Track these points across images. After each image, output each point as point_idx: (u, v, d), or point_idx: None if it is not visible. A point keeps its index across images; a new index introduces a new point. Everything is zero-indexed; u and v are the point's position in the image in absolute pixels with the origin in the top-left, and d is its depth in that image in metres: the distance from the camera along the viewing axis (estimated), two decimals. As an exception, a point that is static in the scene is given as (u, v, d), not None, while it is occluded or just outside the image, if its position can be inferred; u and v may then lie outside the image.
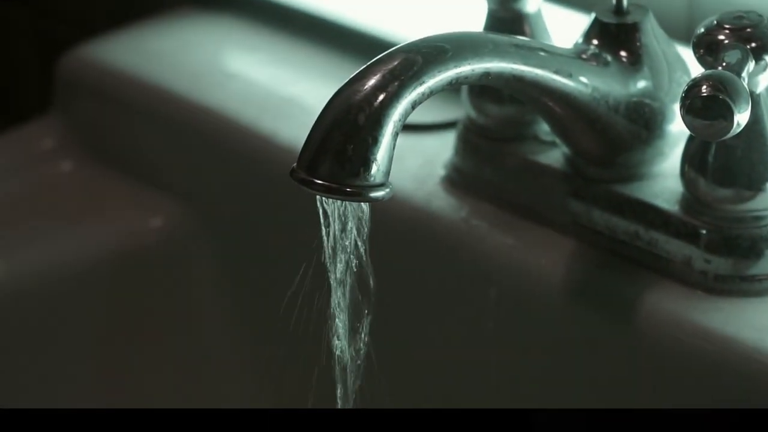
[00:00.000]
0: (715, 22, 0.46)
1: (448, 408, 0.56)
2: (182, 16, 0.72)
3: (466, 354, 0.55)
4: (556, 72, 0.47)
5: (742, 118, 0.43)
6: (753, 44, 0.45)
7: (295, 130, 0.59)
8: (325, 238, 0.45)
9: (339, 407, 0.48)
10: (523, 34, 0.53)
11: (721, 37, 0.46)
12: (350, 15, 0.67)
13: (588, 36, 0.51)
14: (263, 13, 0.70)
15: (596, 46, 0.50)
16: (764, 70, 0.46)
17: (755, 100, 0.46)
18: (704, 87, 0.43)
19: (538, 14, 0.54)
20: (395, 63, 0.42)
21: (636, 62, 0.50)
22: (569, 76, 0.47)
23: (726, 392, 0.46)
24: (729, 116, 0.43)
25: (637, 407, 0.49)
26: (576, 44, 0.51)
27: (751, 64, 0.45)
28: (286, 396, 0.59)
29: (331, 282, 0.45)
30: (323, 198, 0.43)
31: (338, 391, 0.47)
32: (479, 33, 0.50)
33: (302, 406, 0.51)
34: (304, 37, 0.68)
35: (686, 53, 0.50)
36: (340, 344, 0.47)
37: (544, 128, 0.54)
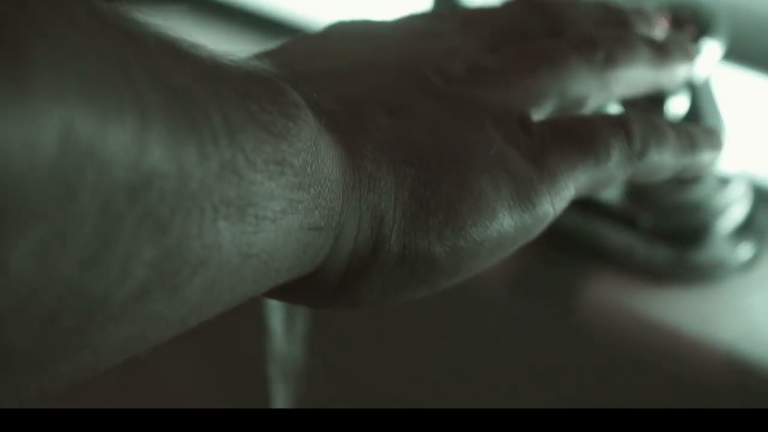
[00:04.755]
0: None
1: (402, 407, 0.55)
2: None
3: (405, 348, 0.55)
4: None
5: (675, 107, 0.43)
6: (691, 31, 0.45)
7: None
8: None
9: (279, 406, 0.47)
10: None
11: (660, 24, 0.46)
12: (294, 9, 0.66)
13: None
14: (202, 7, 0.69)
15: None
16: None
17: (694, 90, 0.46)
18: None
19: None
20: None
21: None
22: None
23: (669, 382, 0.46)
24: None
25: (581, 399, 0.49)
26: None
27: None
28: (228, 393, 0.58)
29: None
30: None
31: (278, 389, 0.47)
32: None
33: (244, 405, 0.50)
34: (244, 30, 0.68)
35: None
36: (278, 341, 0.46)
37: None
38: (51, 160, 0.17)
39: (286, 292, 0.27)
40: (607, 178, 0.32)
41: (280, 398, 0.47)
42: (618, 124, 0.32)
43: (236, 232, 0.22)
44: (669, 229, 0.48)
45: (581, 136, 0.31)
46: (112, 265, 0.19)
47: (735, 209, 0.48)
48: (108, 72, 0.19)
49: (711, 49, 0.45)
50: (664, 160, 0.33)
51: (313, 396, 0.49)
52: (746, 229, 0.48)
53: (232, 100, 0.22)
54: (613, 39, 0.35)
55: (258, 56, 0.31)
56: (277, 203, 0.23)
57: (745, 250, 0.48)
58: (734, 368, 0.45)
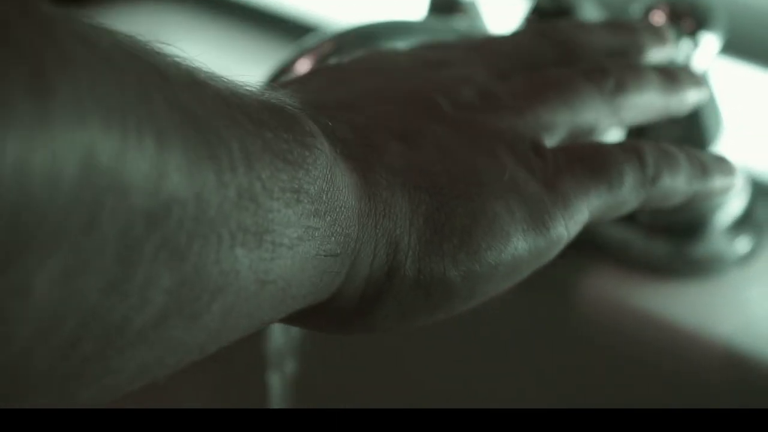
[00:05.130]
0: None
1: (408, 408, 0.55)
2: (120, 5, 0.71)
3: (404, 345, 0.55)
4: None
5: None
6: (689, 25, 0.45)
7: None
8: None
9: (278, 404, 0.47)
10: (461, 21, 0.53)
11: (657, 17, 0.46)
12: (298, 6, 0.66)
13: (527, 20, 0.50)
14: (208, 5, 0.70)
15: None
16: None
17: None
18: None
19: (476, 3, 0.54)
20: (326, 48, 0.42)
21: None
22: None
23: (667, 375, 0.46)
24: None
25: (579, 393, 0.49)
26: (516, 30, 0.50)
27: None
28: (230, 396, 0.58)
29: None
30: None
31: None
32: (412, 20, 0.49)
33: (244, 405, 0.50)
34: (231, 21, 0.68)
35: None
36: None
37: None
38: (73, 187, 0.18)
39: (301, 318, 0.27)
40: (620, 203, 0.32)
41: (278, 397, 0.47)
42: (631, 150, 0.32)
43: (254, 259, 0.23)
44: (667, 223, 0.48)
45: (595, 161, 0.32)
46: (131, 291, 0.19)
47: (733, 203, 0.48)
48: (129, 101, 0.19)
49: (709, 42, 0.45)
50: (676, 186, 0.33)
51: (312, 396, 0.49)
52: (744, 223, 0.49)
53: (248, 129, 0.23)
54: (623, 66, 0.36)
55: (273, 86, 0.32)
56: (293, 230, 0.24)
57: (742, 244, 0.48)
58: (732, 362, 0.45)
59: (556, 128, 0.33)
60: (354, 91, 0.32)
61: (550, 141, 0.33)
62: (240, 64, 0.65)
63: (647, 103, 0.35)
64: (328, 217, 0.25)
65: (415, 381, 0.55)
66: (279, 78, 0.41)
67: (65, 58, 0.18)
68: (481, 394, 0.52)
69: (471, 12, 0.54)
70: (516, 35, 0.37)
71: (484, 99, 0.33)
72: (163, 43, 0.22)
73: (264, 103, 0.25)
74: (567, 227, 0.30)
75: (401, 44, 0.43)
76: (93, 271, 0.18)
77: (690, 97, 0.37)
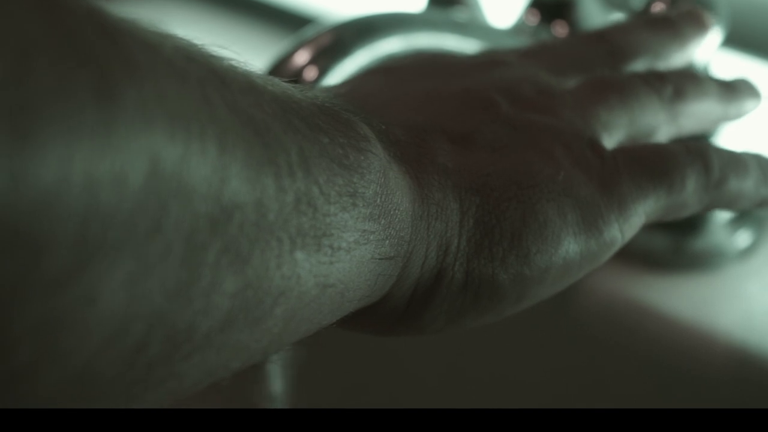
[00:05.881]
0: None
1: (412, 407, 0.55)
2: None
3: (403, 342, 0.54)
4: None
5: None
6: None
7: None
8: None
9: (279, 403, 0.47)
10: (461, 14, 0.53)
11: (658, 9, 0.46)
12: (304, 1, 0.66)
13: (527, 13, 0.50)
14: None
15: (535, 23, 0.50)
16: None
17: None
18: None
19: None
20: (325, 39, 0.41)
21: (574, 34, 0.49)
22: (505, 52, 0.46)
23: (666, 368, 0.46)
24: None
25: (577, 386, 0.48)
26: (516, 23, 0.50)
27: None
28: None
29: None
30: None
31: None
32: (411, 12, 0.49)
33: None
34: (228, 12, 0.68)
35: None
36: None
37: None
38: (138, 193, 0.18)
39: (351, 321, 0.27)
40: (680, 206, 0.31)
41: (279, 397, 0.47)
42: (695, 152, 0.32)
43: (313, 263, 0.23)
44: (667, 217, 0.48)
45: (656, 163, 0.31)
46: (196, 296, 0.20)
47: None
48: (192, 106, 0.19)
49: (711, 34, 0.45)
50: (744, 191, 0.33)
51: (312, 395, 0.48)
52: (744, 217, 0.48)
53: (306, 134, 0.23)
54: (682, 74, 0.35)
55: (326, 90, 0.32)
56: (350, 234, 0.24)
57: (742, 238, 0.48)
58: (731, 355, 0.45)
59: (614, 129, 0.33)
60: (407, 92, 0.32)
61: (609, 142, 0.32)
62: (238, 56, 0.65)
63: (706, 111, 0.35)
64: (383, 221, 0.25)
65: (415, 376, 0.55)
66: (277, 70, 0.41)
67: (130, 64, 0.18)
68: (478, 389, 0.52)
69: (471, 4, 0.53)
70: (567, 40, 0.37)
71: (542, 97, 0.32)
72: (219, 47, 0.23)
73: (319, 108, 0.25)
74: (622, 230, 0.30)
75: (401, 38, 0.42)
76: (158, 276, 0.18)
77: (747, 106, 0.37)
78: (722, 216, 0.48)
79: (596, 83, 0.34)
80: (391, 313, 0.28)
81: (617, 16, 0.51)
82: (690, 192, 0.31)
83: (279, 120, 0.22)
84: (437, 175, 0.28)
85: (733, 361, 0.45)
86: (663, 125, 0.34)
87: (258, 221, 0.21)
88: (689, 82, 0.35)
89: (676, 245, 0.48)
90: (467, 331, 0.52)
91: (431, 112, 0.31)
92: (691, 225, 0.48)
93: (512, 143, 0.30)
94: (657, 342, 0.46)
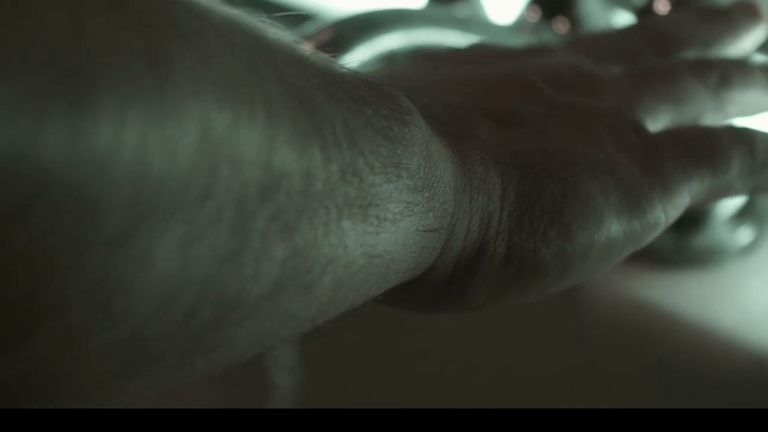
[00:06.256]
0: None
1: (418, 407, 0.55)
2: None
3: (406, 342, 0.54)
4: (493, 44, 0.46)
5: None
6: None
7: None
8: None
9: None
10: (462, 10, 0.52)
11: (661, 6, 0.46)
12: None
13: (529, 9, 0.50)
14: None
15: (536, 19, 0.49)
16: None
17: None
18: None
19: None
20: (325, 35, 0.41)
21: (575, 30, 0.49)
22: (506, 48, 0.46)
23: (668, 365, 0.46)
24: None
25: (579, 383, 0.48)
26: (517, 19, 0.50)
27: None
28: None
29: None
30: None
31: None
32: (412, 8, 0.49)
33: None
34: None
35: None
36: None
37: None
38: (190, 158, 0.18)
39: (395, 295, 0.27)
40: (725, 188, 0.31)
41: (280, 397, 0.47)
42: (740, 135, 0.32)
43: (360, 233, 0.23)
44: (668, 213, 0.48)
45: (700, 145, 0.31)
46: (246, 262, 0.20)
47: (735, 193, 0.48)
48: (239, 74, 0.19)
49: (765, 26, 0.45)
50: None
51: (310, 395, 0.48)
52: (746, 214, 0.48)
53: (350, 106, 0.23)
54: (729, 62, 0.35)
55: (366, 69, 0.33)
56: (395, 205, 0.24)
57: (744, 235, 0.48)
58: (733, 352, 0.44)
59: (659, 115, 0.33)
60: (447, 75, 0.32)
61: (653, 127, 0.32)
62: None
63: (752, 100, 0.35)
64: (426, 193, 0.25)
65: (418, 375, 0.55)
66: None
67: (180, 30, 0.18)
68: (479, 381, 0.52)
69: (472, 0, 0.53)
70: (612, 31, 0.37)
71: (584, 81, 0.32)
72: (264, 20, 0.23)
73: (362, 81, 0.25)
74: (665, 211, 0.30)
75: (402, 34, 0.42)
76: (209, 241, 0.19)
77: None
78: (725, 213, 0.48)
79: (641, 70, 0.34)
80: (434, 287, 0.28)
81: (618, 13, 0.51)
82: (734, 174, 0.31)
83: (323, 91, 0.22)
84: (479, 150, 0.28)
85: (734, 358, 0.44)
86: (708, 113, 0.34)
87: (305, 190, 0.21)
88: (736, 70, 0.35)
89: (678, 242, 0.48)
90: (469, 328, 0.52)
91: (472, 93, 0.31)
92: (693, 222, 0.48)
93: (553, 123, 0.30)
94: (659, 339, 0.46)
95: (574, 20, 0.50)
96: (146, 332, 0.19)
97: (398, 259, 0.25)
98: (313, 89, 0.22)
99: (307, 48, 0.24)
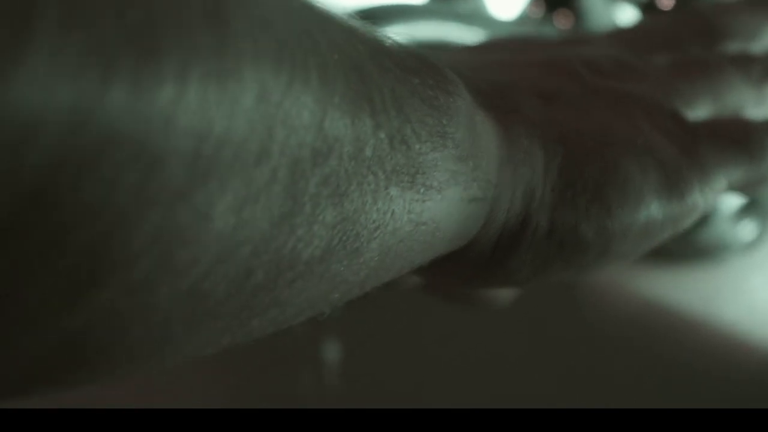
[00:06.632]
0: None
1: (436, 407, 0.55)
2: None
3: (407, 339, 0.54)
4: (496, 39, 0.46)
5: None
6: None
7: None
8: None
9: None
10: (464, 5, 0.52)
11: (665, 0, 0.45)
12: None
13: (531, 4, 0.50)
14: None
15: (539, 14, 0.49)
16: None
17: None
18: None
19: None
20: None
21: (577, 25, 0.49)
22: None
23: (671, 361, 0.46)
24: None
25: (581, 379, 0.48)
26: (520, 14, 0.50)
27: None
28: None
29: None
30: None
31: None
32: (414, 4, 0.49)
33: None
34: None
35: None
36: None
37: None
38: (248, 120, 0.18)
39: (439, 266, 0.28)
40: (761, 177, 0.32)
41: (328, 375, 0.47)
42: None
43: (407, 200, 0.23)
44: (672, 209, 0.48)
45: (738, 133, 0.32)
46: (298, 224, 0.20)
47: (738, 188, 0.48)
48: (295, 36, 0.20)
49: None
50: None
51: (311, 395, 0.48)
52: (750, 209, 0.48)
53: (397, 75, 0.23)
54: None
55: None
56: (441, 174, 0.24)
57: (748, 230, 0.48)
58: (736, 347, 0.44)
59: (697, 106, 0.33)
60: (491, 58, 0.33)
61: (692, 117, 0.33)
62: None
63: None
64: (471, 162, 0.26)
65: (421, 373, 0.55)
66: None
67: None
68: (479, 377, 0.52)
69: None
70: (654, 20, 0.38)
71: (624, 70, 0.33)
72: None
73: (408, 52, 0.25)
74: (703, 195, 0.30)
75: (404, 28, 0.42)
76: (264, 201, 0.19)
77: None
78: (728, 208, 0.48)
79: (681, 61, 0.34)
80: (478, 258, 0.28)
81: (622, 8, 0.51)
82: None
83: (372, 60, 0.23)
84: (522, 124, 0.29)
85: (738, 353, 0.44)
86: (749, 106, 0.34)
87: (356, 155, 0.21)
88: None
89: (681, 237, 0.48)
90: (472, 324, 0.52)
91: (515, 73, 0.31)
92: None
93: (593, 106, 0.31)
94: (662, 334, 0.46)
95: (577, 15, 0.50)
96: (205, 287, 0.19)
97: (443, 227, 0.25)
98: (362, 57, 0.22)
99: (350, 17, 0.24)
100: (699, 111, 0.33)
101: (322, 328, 0.51)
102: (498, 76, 0.31)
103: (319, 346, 0.51)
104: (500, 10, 0.54)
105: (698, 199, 0.30)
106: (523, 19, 0.51)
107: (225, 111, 0.18)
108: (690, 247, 0.48)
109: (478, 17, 0.47)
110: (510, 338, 0.51)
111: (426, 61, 0.26)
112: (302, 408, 0.50)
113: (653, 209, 0.29)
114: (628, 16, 0.49)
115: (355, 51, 0.22)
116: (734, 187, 0.31)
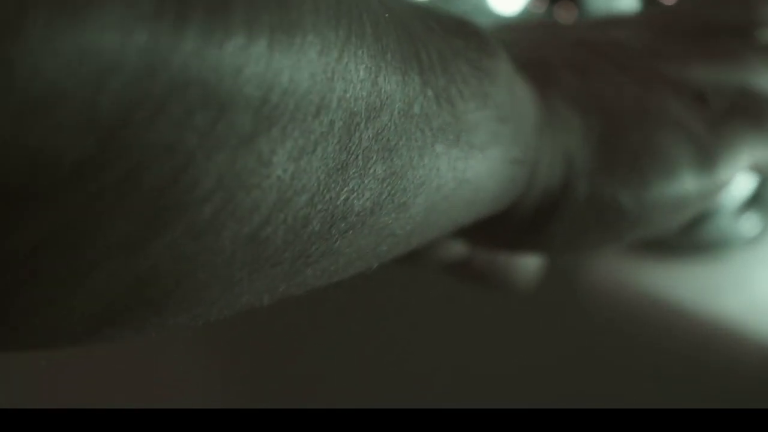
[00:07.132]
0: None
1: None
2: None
3: (404, 336, 0.54)
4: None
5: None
6: None
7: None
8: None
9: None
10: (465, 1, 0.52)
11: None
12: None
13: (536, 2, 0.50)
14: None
15: (542, 9, 0.49)
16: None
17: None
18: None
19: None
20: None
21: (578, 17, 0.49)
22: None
23: (673, 355, 0.46)
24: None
25: (583, 374, 0.48)
26: (522, 9, 0.50)
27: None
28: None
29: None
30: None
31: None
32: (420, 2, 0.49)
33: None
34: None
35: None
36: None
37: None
38: (310, 72, 0.19)
39: (481, 229, 0.28)
40: None
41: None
42: None
43: (451, 157, 0.24)
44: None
45: (759, 112, 0.32)
46: (351, 176, 0.21)
47: (742, 182, 0.48)
48: (351, 1, 0.20)
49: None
50: None
51: (310, 395, 0.48)
52: (753, 203, 0.48)
53: (443, 36, 0.24)
54: None
55: None
56: (483, 133, 0.25)
57: (751, 225, 0.48)
58: (738, 342, 0.44)
59: (722, 87, 0.33)
60: (525, 37, 0.34)
61: (717, 97, 0.33)
62: None
63: None
64: (511, 124, 0.26)
65: (421, 369, 0.55)
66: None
67: None
68: (479, 375, 0.52)
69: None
70: (680, 5, 0.38)
71: (652, 51, 0.34)
72: None
73: (452, 17, 0.26)
74: (729, 170, 0.31)
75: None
76: (321, 152, 0.20)
77: None
78: (731, 202, 0.48)
79: (707, 47, 0.34)
80: (519, 222, 0.29)
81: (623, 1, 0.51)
82: None
83: (419, 20, 0.24)
84: (561, 93, 0.30)
85: (740, 348, 0.44)
86: None
87: (405, 111, 0.22)
88: None
89: (684, 231, 0.48)
90: (472, 318, 0.52)
91: (551, 51, 0.32)
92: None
93: (627, 83, 0.31)
94: (664, 328, 0.46)
95: (580, 8, 0.50)
96: (265, 233, 0.20)
97: (485, 186, 0.26)
98: (410, 17, 0.23)
99: None
100: (724, 93, 0.33)
101: (322, 328, 0.51)
102: (533, 53, 0.32)
103: (319, 345, 0.51)
104: (502, 5, 0.54)
105: (726, 174, 0.31)
106: (525, 13, 0.51)
107: (290, 62, 0.18)
108: (692, 241, 0.47)
109: (480, 12, 0.47)
110: (511, 334, 0.51)
111: (469, 25, 0.26)
112: (302, 408, 0.50)
113: (687, 182, 0.30)
114: (629, 8, 0.49)
115: (403, 11, 0.23)
116: (758, 167, 0.32)
